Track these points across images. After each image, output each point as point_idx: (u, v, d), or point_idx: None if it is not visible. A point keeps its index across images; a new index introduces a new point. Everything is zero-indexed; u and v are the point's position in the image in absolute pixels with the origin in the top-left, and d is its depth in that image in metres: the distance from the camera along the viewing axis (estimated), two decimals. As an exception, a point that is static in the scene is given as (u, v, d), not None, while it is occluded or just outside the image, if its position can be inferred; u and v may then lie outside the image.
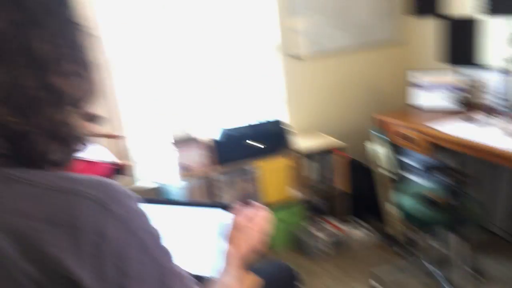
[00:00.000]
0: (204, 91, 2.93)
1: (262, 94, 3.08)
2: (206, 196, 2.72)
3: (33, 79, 0.60)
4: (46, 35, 0.61)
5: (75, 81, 0.64)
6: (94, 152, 2.20)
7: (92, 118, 0.73)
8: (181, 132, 2.73)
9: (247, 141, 2.72)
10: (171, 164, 2.66)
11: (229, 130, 2.71)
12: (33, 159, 0.62)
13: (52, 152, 0.63)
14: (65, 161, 0.66)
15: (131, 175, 2.82)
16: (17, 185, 0.59)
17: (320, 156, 2.91)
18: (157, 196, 2.81)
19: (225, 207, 1.11)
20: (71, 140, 0.66)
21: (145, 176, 2.89)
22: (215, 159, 2.70)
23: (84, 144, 0.69)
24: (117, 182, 0.65)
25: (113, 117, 2.72)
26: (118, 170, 2.47)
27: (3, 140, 0.60)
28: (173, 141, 2.64)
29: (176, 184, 2.68)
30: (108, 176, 2.40)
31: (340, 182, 2.96)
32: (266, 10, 2.93)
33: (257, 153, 2.75)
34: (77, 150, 0.68)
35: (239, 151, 2.72)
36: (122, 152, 2.76)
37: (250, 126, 2.76)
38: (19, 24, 0.59)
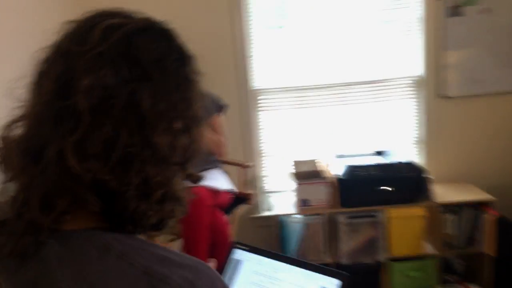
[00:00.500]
0: (335, 120, 2.77)
1: (396, 132, 2.80)
2: (324, 237, 2.53)
3: (138, 137, 0.55)
4: (157, 93, 0.57)
5: (182, 141, 0.60)
6: (219, 180, 2.19)
7: (196, 179, 0.65)
8: (306, 164, 2.59)
9: (376, 183, 2.46)
10: (293, 197, 2.53)
11: (355, 167, 2.48)
12: (127, 221, 0.57)
13: (147, 215, 0.57)
14: (161, 225, 0.61)
15: (255, 205, 2.77)
16: (116, 262, 0.53)
17: (462, 209, 2.51)
18: (276, 230, 2.69)
19: (343, 278, 0.92)
20: (169, 202, 0.60)
21: (267, 206, 2.80)
22: (339, 198, 2.50)
23: (183, 207, 0.63)
24: (213, 269, 0.58)
25: (245, 146, 2.71)
26: (242, 199, 2.45)
27: (96, 198, 0.55)
28: (296, 172, 2.51)
29: (295, 218, 2.54)
30: (232, 204, 2.38)
31: (485, 242, 2.51)
32: (413, 42, 2.68)
33: (386, 198, 2.47)
34: (174, 213, 0.61)
35: (366, 193, 2.47)
36: (248, 181, 2.73)
37: (380, 166, 2.50)
38: (130, 80, 0.56)
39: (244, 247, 1.10)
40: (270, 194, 2.81)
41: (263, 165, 2.81)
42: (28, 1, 1.97)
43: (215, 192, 2.05)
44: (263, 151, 2.80)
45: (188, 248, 1.96)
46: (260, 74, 2.70)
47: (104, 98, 0.54)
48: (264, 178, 2.82)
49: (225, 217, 2.07)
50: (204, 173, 2.23)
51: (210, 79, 2.71)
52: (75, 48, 0.56)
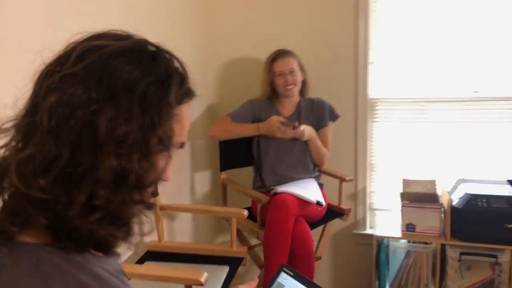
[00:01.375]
0: (460, 139, 2.44)
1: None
2: (428, 270, 2.26)
3: (88, 157, 0.55)
4: (118, 116, 0.56)
5: (136, 167, 0.58)
6: (310, 191, 2.12)
7: (148, 206, 0.63)
8: (419, 185, 2.34)
9: (501, 218, 2.10)
10: (398, 219, 2.32)
11: (476, 196, 2.15)
12: (66, 238, 0.57)
13: (84, 234, 0.57)
14: (103, 247, 0.61)
15: (358, 221, 2.62)
16: (39, 283, 0.54)
17: None
18: (375, 251, 2.51)
19: None
20: (110, 225, 0.59)
21: (370, 224, 2.63)
22: (452, 229, 2.20)
23: (126, 232, 0.62)
24: None
25: (356, 157, 2.58)
26: (337, 213, 2.33)
27: (40, 213, 0.56)
28: (406, 193, 2.29)
29: (398, 243, 2.33)
30: (325, 217, 2.29)
31: None
32: None
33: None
34: (115, 237, 0.60)
35: (486, 228, 2.12)
36: (346, 196, 2.60)
37: (509, 199, 2.12)
38: (96, 101, 0.56)
39: (289, 272, 1.08)
40: (376, 212, 2.62)
41: (372, 180, 2.63)
42: (166, 22, 2.18)
43: (302, 202, 2.00)
44: (374, 165, 2.62)
45: (267, 253, 1.95)
46: (379, 83, 2.52)
47: (65, 117, 0.55)
48: (372, 194, 2.64)
49: (309, 230, 1.99)
50: (298, 182, 2.19)
51: (327, 85, 2.67)
52: (54, 69, 0.59)
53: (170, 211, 2.02)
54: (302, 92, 2.36)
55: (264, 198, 2.03)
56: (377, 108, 2.56)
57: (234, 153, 2.39)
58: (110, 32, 0.64)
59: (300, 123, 2.15)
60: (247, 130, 2.24)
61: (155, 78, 0.60)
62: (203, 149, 2.58)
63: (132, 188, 0.59)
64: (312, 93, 2.43)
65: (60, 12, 1.47)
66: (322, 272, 2.72)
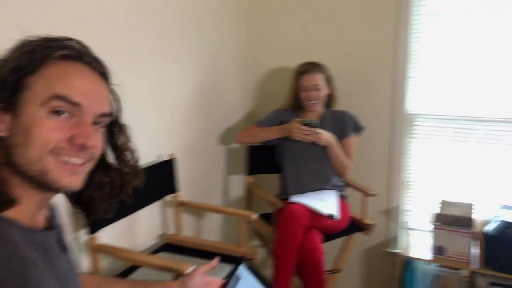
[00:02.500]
0: (503, 162, 2.28)
1: None
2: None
3: None
4: None
5: None
6: (324, 202, 2.10)
7: None
8: (454, 207, 2.23)
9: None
10: (429, 240, 2.22)
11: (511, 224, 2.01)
12: None
13: None
14: None
15: (388, 239, 2.55)
16: None
17: None
18: (401, 270, 2.41)
19: None
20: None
21: (399, 242, 2.53)
22: (484, 257, 2.06)
23: None
24: None
25: (390, 173, 2.52)
26: (359, 227, 2.27)
27: None
28: (440, 214, 2.18)
29: (426, 265, 2.22)
30: (346, 231, 2.24)
31: None
32: None
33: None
34: None
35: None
36: (379, 212, 2.53)
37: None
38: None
39: (248, 265, 1.11)
40: (407, 231, 2.52)
41: (407, 198, 2.54)
42: (212, 33, 2.31)
43: (316, 213, 1.98)
44: (409, 183, 2.53)
45: (275, 260, 1.96)
46: (418, 98, 2.44)
47: None
48: (405, 212, 2.54)
49: (318, 241, 1.96)
50: (317, 193, 2.18)
51: (363, 98, 2.65)
52: None
53: (190, 207, 2.10)
54: (327, 104, 2.35)
55: (279, 204, 2.05)
56: (415, 123, 2.47)
57: (261, 159, 2.44)
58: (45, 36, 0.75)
59: (316, 125, 2.13)
60: (269, 133, 2.27)
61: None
62: (239, 154, 2.65)
63: None
64: (347, 106, 2.42)
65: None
66: (350, 286, 2.67)
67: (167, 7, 1.98)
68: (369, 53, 2.51)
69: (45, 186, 0.71)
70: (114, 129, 0.85)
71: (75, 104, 0.71)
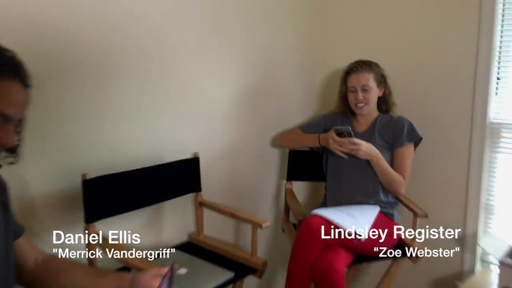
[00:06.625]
0: None
1: None
2: None
3: None
4: None
5: None
6: (355, 219, 1.83)
7: None
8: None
9: None
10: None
11: None
12: None
13: None
14: None
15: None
16: None
17: None
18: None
19: None
20: None
21: (467, 272, 2.10)
22: None
23: None
24: None
25: (468, 193, 2.12)
26: (404, 249, 1.92)
27: None
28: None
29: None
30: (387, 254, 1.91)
31: None
32: None
33: None
34: None
35: None
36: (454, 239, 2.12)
37: None
38: None
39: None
40: (486, 264, 2.08)
41: (487, 225, 2.10)
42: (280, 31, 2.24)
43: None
44: (491, 206, 2.08)
45: (286, 280, 1.76)
46: (506, 104, 2.00)
47: None
48: (483, 241, 2.09)
49: (335, 262, 1.70)
50: (352, 207, 1.91)
51: (438, 102, 2.32)
52: None
53: (208, 208, 2.03)
54: (382, 108, 2.07)
55: (300, 214, 1.88)
56: (501, 135, 2.03)
57: (303, 165, 2.25)
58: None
59: (350, 135, 1.87)
60: (308, 140, 2.08)
61: None
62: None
63: None
64: (418, 112, 2.11)
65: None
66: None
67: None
68: (447, 49, 2.14)
69: None
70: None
71: (8, 118, 0.92)
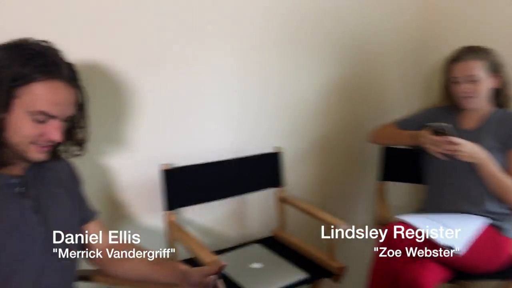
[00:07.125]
0: None
1: None
2: None
3: None
4: None
5: None
6: (457, 232, 1.59)
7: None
8: None
9: None
10: None
11: None
12: None
13: None
14: None
15: None
16: None
17: None
18: None
19: None
20: None
21: None
22: None
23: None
24: None
25: None
26: None
27: None
28: None
29: None
30: (499, 273, 1.61)
31: None
32: None
33: None
34: None
35: None
36: None
37: None
38: None
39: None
40: None
41: None
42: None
43: (432, 240, 1.50)
44: None
45: (366, 286, 1.64)
46: None
47: None
48: None
49: (421, 277, 1.48)
50: (448, 216, 1.65)
51: None
52: None
53: (288, 204, 1.97)
54: (498, 102, 1.75)
55: (382, 219, 1.70)
56: None
57: (400, 164, 2.04)
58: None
59: (450, 133, 1.61)
60: (402, 137, 1.86)
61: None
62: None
63: None
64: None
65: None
66: None
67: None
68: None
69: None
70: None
71: (52, 116, 0.99)
